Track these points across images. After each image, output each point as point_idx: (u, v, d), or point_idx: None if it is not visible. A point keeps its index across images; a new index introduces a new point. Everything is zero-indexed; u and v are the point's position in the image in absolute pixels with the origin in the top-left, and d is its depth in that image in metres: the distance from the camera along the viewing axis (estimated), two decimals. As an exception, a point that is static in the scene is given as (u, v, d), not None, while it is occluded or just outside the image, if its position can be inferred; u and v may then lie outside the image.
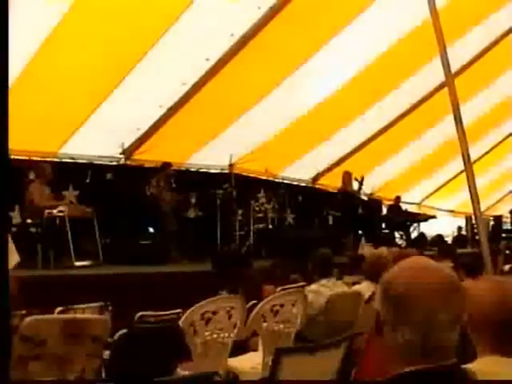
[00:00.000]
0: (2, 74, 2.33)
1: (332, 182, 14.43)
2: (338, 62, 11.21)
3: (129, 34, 8.88)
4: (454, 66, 11.35)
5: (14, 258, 5.91)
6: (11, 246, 6.06)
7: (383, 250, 7.04)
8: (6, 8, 2.40)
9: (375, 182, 15.59)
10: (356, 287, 6.50)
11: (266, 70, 10.59)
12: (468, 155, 7.54)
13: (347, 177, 13.38)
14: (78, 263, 8.81)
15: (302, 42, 10.40)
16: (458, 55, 11.48)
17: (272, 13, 9.43)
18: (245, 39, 9.68)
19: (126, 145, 11.16)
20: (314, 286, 6.06)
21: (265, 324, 4.90)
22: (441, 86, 10.38)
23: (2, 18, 2.33)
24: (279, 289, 6.07)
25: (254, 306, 4.96)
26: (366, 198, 15.30)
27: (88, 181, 10.98)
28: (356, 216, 13.71)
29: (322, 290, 5.93)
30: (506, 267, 8.77)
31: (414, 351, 1.86)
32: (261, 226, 12.45)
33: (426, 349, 1.87)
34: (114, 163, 11.38)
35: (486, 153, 17.36)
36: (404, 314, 1.87)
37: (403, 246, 14.82)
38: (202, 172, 12.63)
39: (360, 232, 14.12)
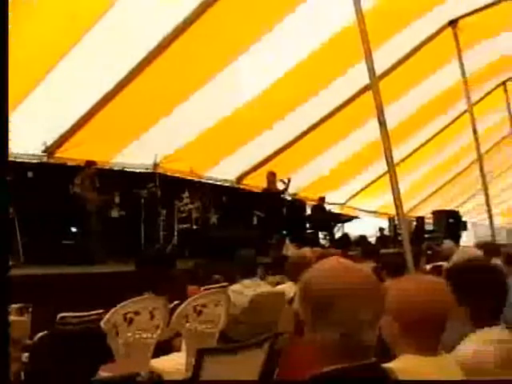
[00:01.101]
0: (2, 74, 2.32)
1: (257, 183, 14.46)
2: (265, 62, 11.24)
3: (51, 31, 8.72)
4: (381, 68, 11.65)
5: None
6: None
7: (306, 250, 7.10)
8: (5, 8, 2.39)
9: (299, 182, 15.68)
10: (279, 287, 6.53)
11: (191, 70, 10.54)
12: (391, 157, 7.68)
13: (271, 177, 13.43)
14: (-3, 263, 8.61)
15: (228, 41, 10.38)
16: (384, 58, 11.67)
17: (200, 10, 9.38)
18: (170, 38, 9.61)
19: (49, 143, 10.94)
20: (236, 286, 6.05)
21: (188, 324, 4.88)
22: (366, 88, 10.48)
23: (2, 18, 2.32)
24: (203, 289, 6.06)
25: (178, 306, 4.94)
26: (290, 199, 15.38)
27: (8, 179, 10.73)
28: (280, 216, 13.77)
29: (245, 290, 5.93)
30: (428, 267, 8.91)
31: (333, 351, 1.88)
32: (185, 226, 12.41)
33: (346, 348, 1.88)
34: (36, 161, 11.12)
35: (410, 155, 17.67)
36: (323, 314, 1.89)
37: (327, 246, 14.96)
38: (127, 171, 12.47)
39: (284, 232, 14.19)
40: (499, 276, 3.67)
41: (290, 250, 11.37)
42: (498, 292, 3.53)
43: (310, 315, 1.90)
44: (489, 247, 8.09)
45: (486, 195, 13.12)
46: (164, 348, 5.01)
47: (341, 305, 1.89)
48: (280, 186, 13.58)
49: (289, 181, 13.51)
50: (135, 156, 12.06)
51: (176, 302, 5.05)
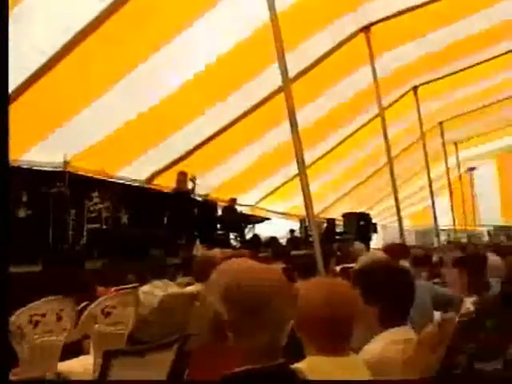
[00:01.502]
0: (2, 76, 2.26)
1: (167, 183, 14.37)
2: (178, 61, 11.18)
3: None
4: (294, 71, 11.74)
5: None
6: None
7: (216, 251, 7.09)
8: (6, 8, 2.32)
9: (211, 183, 15.65)
10: (189, 288, 6.50)
11: (102, 67, 10.39)
12: (302, 159, 7.74)
13: (182, 177, 13.35)
14: None
15: (141, 39, 10.28)
16: (298, 61, 11.77)
17: (114, 6, 9.24)
18: (82, 34, 9.43)
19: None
20: (146, 287, 6.00)
21: (96, 326, 4.80)
22: (279, 90, 10.54)
23: (2, 18, 2.26)
24: (112, 290, 5.97)
25: (86, 307, 4.86)
26: (201, 199, 15.34)
27: None
28: (191, 217, 13.72)
29: (155, 290, 5.88)
30: (338, 268, 9.00)
31: (258, 352, 1.87)
32: (94, 226, 12.22)
33: (271, 349, 1.88)
34: None
35: (321, 157, 17.86)
36: (254, 316, 1.87)
37: (237, 247, 14.99)
38: (35, 170, 12.18)
39: (195, 233, 14.13)
40: (406, 277, 3.74)
41: (200, 250, 11.33)
42: (404, 293, 3.59)
43: (239, 317, 1.88)
44: (397, 249, 8.22)
45: (396, 198, 13.39)
46: (73, 350, 4.91)
47: (272, 306, 1.89)
48: (190, 186, 13.53)
49: (194, 179, 13.47)
50: (44, 154, 11.79)
51: (84, 304, 4.96)
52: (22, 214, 11.22)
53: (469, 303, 5.60)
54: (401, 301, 3.53)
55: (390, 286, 3.53)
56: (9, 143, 2.29)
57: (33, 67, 9.61)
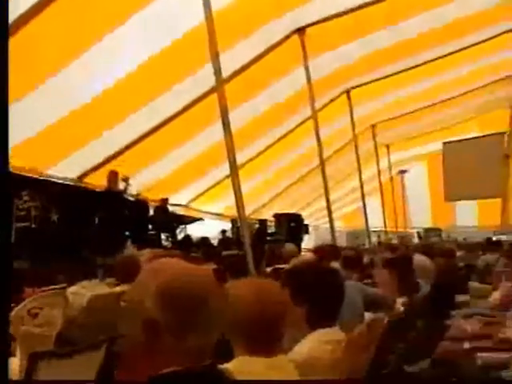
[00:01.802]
0: (2, 76, 2.19)
1: (99, 181, 14.19)
2: (111, 59, 11.07)
3: None
4: (228, 71, 11.74)
5: None
6: None
7: (147, 251, 7.02)
8: (5, 9, 2.24)
9: (143, 182, 15.52)
10: (117, 288, 6.44)
11: (35, 63, 10.23)
12: (234, 159, 7.76)
13: (113, 176, 13.20)
14: None
15: (71, 37, 10.14)
16: (231, 61, 11.77)
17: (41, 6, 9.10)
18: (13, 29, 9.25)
19: None
20: (74, 288, 5.93)
21: (23, 328, 4.71)
22: (213, 90, 10.52)
23: (2, 19, 2.19)
24: (39, 291, 5.88)
25: (12, 309, 4.76)
26: (132, 199, 15.20)
27: None
28: (122, 217, 13.57)
29: (83, 291, 5.82)
30: (269, 269, 9.04)
31: (176, 353, 1.85)
32: (23, 224, 12.00)
33: (187, 350, 1.87)
34: None
35: (254, 157, 17.88)
36: (192, 317, 1.86)
37: (169, 247, 14.92)
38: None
39: (126, 233, 14.00)
40: (334, 278, 3.77)
41: (131, 251, 11.23)
42: (332, 294, 3.62)
43: (172, 318, 1.86)
44: (328, 250, 8.30)
45: (327, 199, 13.50)
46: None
47: (205, 306, 1.88)
48: (121, 185, 13.39)
49: (127, 179, 13.35)
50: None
51: (12, 305, 4.87)
52: None
53: (398, 304, 5.69)
54: (329, 301, 3.56)
55: (318, 286, 3.56)
56: (8, 143, 2.25)
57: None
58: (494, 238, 21.67)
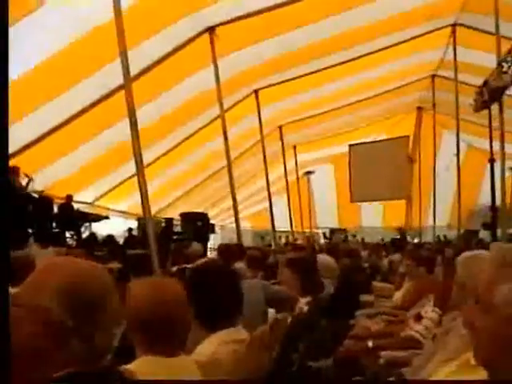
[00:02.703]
0: (2, 76, 2.06)
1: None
2: (14, 53, 10.82)
3: None
4: (136, 69, 11.63)
5: None
6: None
7: (51, 249, 6.88)
8: (6, 8, 2.13)
9: (47, 179, 15.23)
10: (12, 290, 6.24)
11: None
12: (140, 157, 7.68)
13: (15, 172, 12.93)
14: None
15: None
16: (140, 59, 11.67)
17: None
18: None
19: None
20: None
21: None
22: (121, 88, 10.40)
23: (2, 18, 2.07)
24: None
25: None
26: (36, 196, 14.89)
27: None
28: (25, 214, 13.28)
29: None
30: (174, 269, 9.00)
31: (78, 354, 1.82)
32: None
33: (90, 351, 1.84)
34: None
35: (161, 156, 17.79)
36: (96, 316, 1.84)
37: (73, 245, 14.69)
38: None
39: (29, 230, 13.70)
40: (233, 278, 3.78)
41: (33, 249, 10.99)
42: (232, 294, 3.63)
43: (75, 319, 1.82)
44: (232, 250, 8.31)
45: (234, 199, 13.53)
46: None
47: (107, 305, 1.86)
48: (24, 182, 13.14)
49: (29, 176, 13.13)
50: None
51: None
52: None
53: (302, 303, 5.73)
54: (228, 302, 3.57)
55: (217, 287, 3.57)
56: (8, 143, 2.16)
57: None
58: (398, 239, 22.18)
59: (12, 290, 5.04)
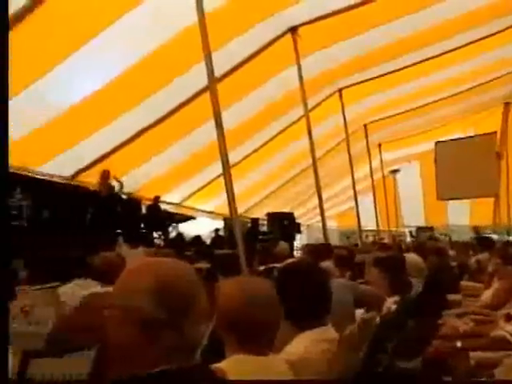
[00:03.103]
0: (2, 75, 2.21)
1: (92, 180, 14.19)
2: (105, 58, 11.06)
3: None
4: (221, 71, 11.74)
5: None
6: None
7: (141, 249, 7.01)
8: (6, 8, 2.26)
9: (135, 181, 15.52)
10: (110, 288, 6.37)
11: (28, 61, 10.20)
12: (227, 158, 7.75)
13: (105, 175, 13.24)
14: None
15: (65, 35, 10.13)
16: (224, 61, 11.76)
17: (29, 7, 9.09)
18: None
19: None
20: (67, 286, 5.91)
21: (14, 325, 4.71)
22: (206, 90, 10.50)
23: (2, 19, 2.20)
24: (32, 289, 5.87)
25: (4, 306, 4.76)
26: (125, 197, 15.19)
27: None
28: (114, 215, 13.57)
29: (76, 289, 5.80)
30: (261, 268, 9.03)
31: (167, 351, 1.85)
32: (15, 223, 11.96)
33: (179, 349, 1.87)
34: None
35: (247, 156, 17.89)
36: (187, 312, 1.87)
37: (161, 246, 14.91)
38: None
39: (119, 231, 13.99)
40: (323, 277, 3.77)
41: (123, 249, 11.22)
42: (321, 293, 3.62)
43: (169, 316, 1.86)
44: (319, 250, 8.29)
45: (320, 199, 13.49)
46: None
47: (200, 302, 1.90)
48: (114, 184, 13.43)
49: (118, 179, 13.41)
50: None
51: (3, 303, 4.85)
52: None
53: (390, 303, 5.68)
54: (318, 301, 3.56)
55: (307, 286, 3.56)
56: (8, 143, 2.25)
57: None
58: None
59: (104, 289, 5.17)
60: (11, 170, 12.54)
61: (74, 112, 11.74)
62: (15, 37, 9.25)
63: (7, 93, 2.31)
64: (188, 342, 1.89)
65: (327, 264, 7.16)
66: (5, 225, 2.38)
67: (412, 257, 7.82)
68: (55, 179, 14.07)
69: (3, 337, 2.08)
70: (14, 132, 11.61)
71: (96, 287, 6.09)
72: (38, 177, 13.41)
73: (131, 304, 1.89)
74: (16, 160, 12.41)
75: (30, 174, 13.14)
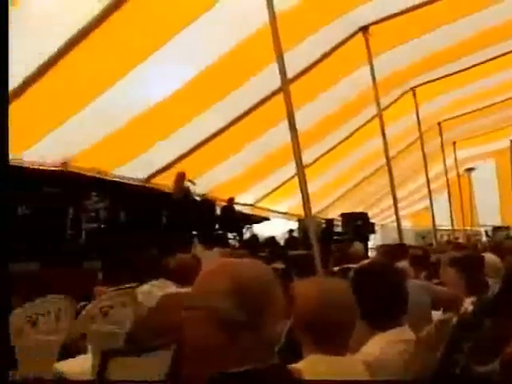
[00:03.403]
0: (2, 75, 2.28)
1: (167, 182, 14.36)
2: (178, 61, 11.17)
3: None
4: (293, 72, 11.75)
5: None
6: None
7: (216, 250, 7.06)
8: (6, 8, 2.34)
9: (210, 182, 15.65)
10: (186, 288, 6.47)
11: (102, 66, 10.39)
12: (300, 159, 7.75)
13: (180, 177, 13.38)
14: None
15: (141, 39, 10.27)
16: (296, 61, 11.77)
17: (111, 7, 9.23)
18: (80, 34, 9.41)
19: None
20: (144, 287, 6.00)
21: (94, 326, 4.80)
22: (278, 91, 10.51)
23: (2, 19, 2.28)
24: (110, 290, 5.97)
25: (84, 307, 4.86)
26: (199, 199, 15.33)
27: None
28: (189, 217, 13.69)
29: (153, 290, 5.88)
30: (336, 268, 8.99)
31: (244, 352, 1.87)
32: (93, 225, 12.19)
33: (255, 349, 1.88)
34: None
35: (320, 157, 17.87)
36: (264, 311, 1.89)
37: (236, 247, 14.99)
38: (34, 169, 12.16)
39: (194, 233, 14.11)
40: (399, 278, 3.74)
41: (198, 250, 11.31)
42: (398, 294, 3.59)
43: (247, 311, 1.88)
44: (395, 250, 8.22)
45: (394, 198, 13.36)
46: (70, 350, 4.91)
47: (276, 300, 1.91)
48: (189, 186, 13.56)
49: (192, 181, 13.54)
50: (43, 153, 11.78)
51: (82, 303, 4.96)
52: (20, 213, 11.19)
53: (467, 303, 5.60)
54: (394, 301, 3.54)
55: (383, 287, 3.54)
56: (8, 143, 2.30)
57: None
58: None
59: (181, 290, 5.23)
60: (88, 174, 12.81)
61: (146, 117, 11.91)
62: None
63: (7, 93, 2.36)
64: (265, 342, 1.90)
65: (403, 264, 7.10)
66: (5, 225, 2.42)
67: (490, 256, 7.68)
68: (131, 182, 14.31)
69: (3, 337, 2.12)
70: (90, 136, 11.87)
71: (171, 288, 6.17)
72: (115, 180, 13.65)
73: (211, 305, 1.91)
74: (93, 163, 12.67)
75: (106, 178, 13.39)
